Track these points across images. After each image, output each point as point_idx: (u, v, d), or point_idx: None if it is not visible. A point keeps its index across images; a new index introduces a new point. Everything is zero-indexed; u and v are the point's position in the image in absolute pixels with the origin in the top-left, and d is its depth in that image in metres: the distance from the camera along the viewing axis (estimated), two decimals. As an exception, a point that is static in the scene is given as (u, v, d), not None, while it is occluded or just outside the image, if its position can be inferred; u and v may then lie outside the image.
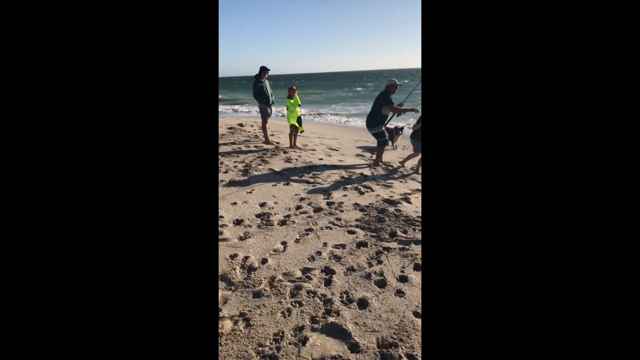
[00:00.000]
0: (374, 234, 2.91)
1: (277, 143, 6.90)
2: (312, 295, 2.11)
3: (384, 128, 5.22)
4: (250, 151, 6.11)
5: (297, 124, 6.26)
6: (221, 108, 19.70)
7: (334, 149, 6.76)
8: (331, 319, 1.89)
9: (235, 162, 5.30)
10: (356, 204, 3.59)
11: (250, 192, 3.97)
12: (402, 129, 7.20)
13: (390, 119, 5.39)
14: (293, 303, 2.04)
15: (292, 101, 6.16)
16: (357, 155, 6.37)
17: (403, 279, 2.28)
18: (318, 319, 1.90)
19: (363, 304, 2.03)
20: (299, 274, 2.35)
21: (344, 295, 2.11)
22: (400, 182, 4.50)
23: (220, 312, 1.97)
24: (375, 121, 5.16)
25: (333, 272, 2.36)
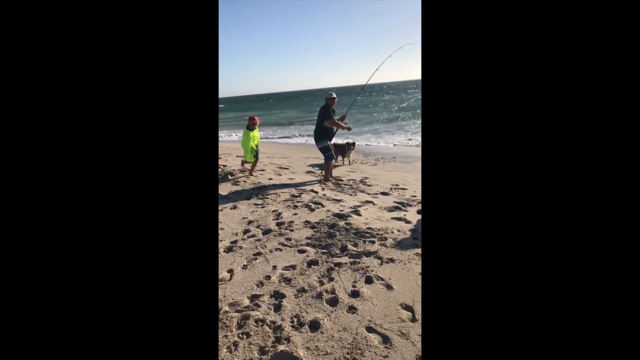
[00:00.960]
0: (325, 251, 2.86)
1: (224, 166, 6.69)
2: (261, 323, 1.98)
3: (329, 143, 5.26)
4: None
5: (253, 158, 5.73)
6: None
7: (283, 168, 6.70)
8: (281, 347, 1.77)
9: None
10: (307, 222, 3.53)
11: (195, 220, 3.75)
12: (353, 144, 7.30)
13: (336, 133, 5.45)
14: (240, 335, 1.89)
15: (250, 134, 5.51)
16: (308, 172, 6.36)
17: (355, 294, 2.24)
18: (267, 349, 1.78)
19: (315, 326, 1.94)
20: (246, 302, 2.21)
21: (295, 320, 2.01)
22: (350, 195, 4.53)
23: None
24: (319, 136, 5.20)
25: (283, 295, 2.25)
